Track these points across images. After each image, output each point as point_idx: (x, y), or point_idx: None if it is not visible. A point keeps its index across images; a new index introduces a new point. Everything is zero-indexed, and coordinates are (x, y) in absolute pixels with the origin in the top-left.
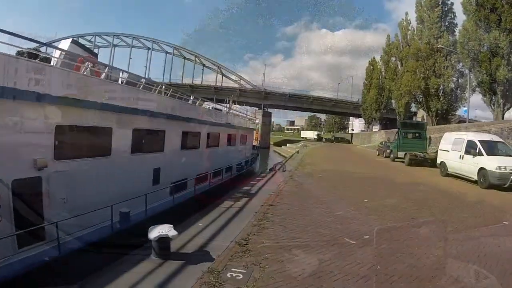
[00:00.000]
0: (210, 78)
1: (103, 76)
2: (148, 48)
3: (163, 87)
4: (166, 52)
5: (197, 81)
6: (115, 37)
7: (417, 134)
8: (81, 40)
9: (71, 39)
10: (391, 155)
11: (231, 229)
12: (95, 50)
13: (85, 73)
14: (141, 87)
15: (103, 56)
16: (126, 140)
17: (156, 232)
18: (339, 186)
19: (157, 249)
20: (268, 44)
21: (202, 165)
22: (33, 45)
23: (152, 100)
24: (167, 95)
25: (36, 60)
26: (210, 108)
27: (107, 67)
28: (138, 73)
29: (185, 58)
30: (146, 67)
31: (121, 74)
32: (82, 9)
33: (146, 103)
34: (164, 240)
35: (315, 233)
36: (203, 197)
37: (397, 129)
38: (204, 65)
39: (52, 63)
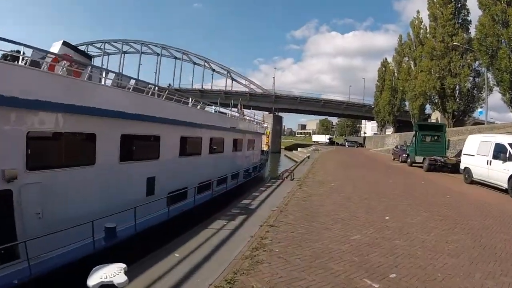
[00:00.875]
0: (221, 83)
1: (86, 77)
2: (157, 54)
3: (156, 88)
4: (176, 58)
5: (207, 86)
6: (124, 43)
7: (435, 137)
8: (90, 48)
9: (62, 40)
10: (408, 160)
11: (215, 264)
12: (105, 57)
13: (60, 72)
14: (131, 89)
15: (113, 62)
16: (114, 147)
17: (98, 277)
18: (354, 198)
19: None
20: (278, 48)
21: (204, 172)
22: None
23: (143, 103)
24: (162, 97)
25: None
26: (213, 112)
27: (89, 67)
28: (147, 79)
29: (194, 63)
30: (155, 73)
31: (104, 74)
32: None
33: (137, 106)
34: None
35: (325, 270)
36: (203, 208)
37: (414, 132)
38: (213, 70)
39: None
